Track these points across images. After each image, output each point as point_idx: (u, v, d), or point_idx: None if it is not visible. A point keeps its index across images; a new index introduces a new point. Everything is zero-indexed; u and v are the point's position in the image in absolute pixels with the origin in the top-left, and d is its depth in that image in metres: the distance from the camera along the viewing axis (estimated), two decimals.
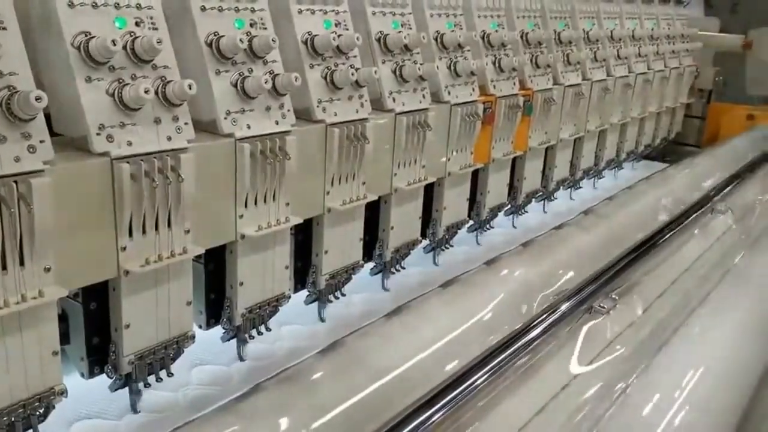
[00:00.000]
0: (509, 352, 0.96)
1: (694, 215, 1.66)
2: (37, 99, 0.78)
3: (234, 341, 1.24)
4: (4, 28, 0.80)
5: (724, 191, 1.89)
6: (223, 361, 1.26)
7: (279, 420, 0.81)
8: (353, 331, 1.04)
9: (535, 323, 1.04)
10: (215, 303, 1.18)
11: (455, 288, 1.17)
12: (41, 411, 0.90)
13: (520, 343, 0.98)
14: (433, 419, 0.82)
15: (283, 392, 0.87)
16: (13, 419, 0.86)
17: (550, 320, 1.05)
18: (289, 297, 1.26)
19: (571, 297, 1.14)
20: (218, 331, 1.22)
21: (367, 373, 0.92)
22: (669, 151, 3.14)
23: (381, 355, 0.97)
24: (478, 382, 0.89)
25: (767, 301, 1.33)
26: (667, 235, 1.48)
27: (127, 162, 0.91)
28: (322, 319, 1.41)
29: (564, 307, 1.10)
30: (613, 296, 1.23)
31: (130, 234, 0.94)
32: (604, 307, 1.19)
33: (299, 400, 0.85)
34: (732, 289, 1.38)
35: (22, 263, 0.83)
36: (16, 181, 0.80)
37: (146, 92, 0.89)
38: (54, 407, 0.91)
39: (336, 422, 0.85)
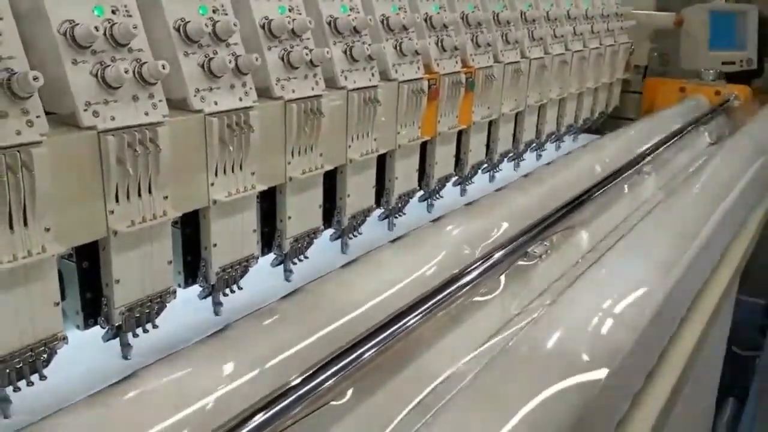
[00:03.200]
0: (447, 291, 1.11)
1: (621, 176, 1.84)
2: (35, 78, 0.90)
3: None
4: (1, 18, 0.92)
5: (651, 155, 2.08)
6: None
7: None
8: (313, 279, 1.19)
9: (472, 267, 1.20)
10: (192, 264, 1.31)
11: (404, 241, 1.32)
12: (45, 356, 1.02)
13: (457, 284, 1.13)
14: (374, 349, 0.97)
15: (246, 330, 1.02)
16: (21, 363, 0.99)
17: (486, 265, 1.21)
18: (257, 258, 1.40)
19: (504, 246, 1.31)
20: None
21: (324, 315, 1.07)
22: (608, 125, 3.33)
23: (338, 300, 1.12)
24: (417, 318, 1.04)
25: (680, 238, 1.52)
26: (596, 193, 1.66)
27: (112, 135, 1.04)
28: (288, 280, 1.54)
29: (498, 254, 1.26)
30: (545, 243, 1.40)
31: (117, 200, 1.07)
32: (536, 252, 1.36)
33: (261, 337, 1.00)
34: (647, 230, 1.56)
35: (26, 224, 0.95)
36: (19, 151, 0.92)
37: (125, 72, 1.02)
38: (56, 353, 1.03)
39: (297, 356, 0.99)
